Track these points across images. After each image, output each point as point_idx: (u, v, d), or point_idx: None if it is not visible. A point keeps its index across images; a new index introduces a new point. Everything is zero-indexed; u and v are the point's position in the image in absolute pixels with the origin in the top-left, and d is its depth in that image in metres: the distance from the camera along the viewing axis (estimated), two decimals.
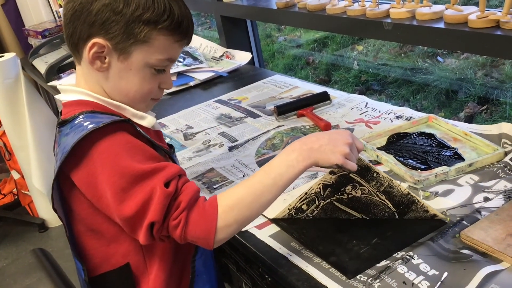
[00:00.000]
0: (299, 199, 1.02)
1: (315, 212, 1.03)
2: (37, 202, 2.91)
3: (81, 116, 0.88)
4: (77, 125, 0.86)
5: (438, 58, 2.85)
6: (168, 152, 0.99)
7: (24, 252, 2.68)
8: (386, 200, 0.98)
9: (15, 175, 2.97)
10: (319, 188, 1.00)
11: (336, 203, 1.01)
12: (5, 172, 3.24)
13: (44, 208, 2.89)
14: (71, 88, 0.96)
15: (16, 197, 3.11)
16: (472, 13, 1.21)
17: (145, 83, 0.92)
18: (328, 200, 1.01)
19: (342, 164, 0.87)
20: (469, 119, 2.42)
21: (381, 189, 0.97)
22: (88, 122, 0.85)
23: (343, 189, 0.99)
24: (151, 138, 0.93)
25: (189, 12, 0.93)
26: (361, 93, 1.68)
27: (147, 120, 0.96)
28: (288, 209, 1.04)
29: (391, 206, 0.98)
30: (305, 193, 1.01)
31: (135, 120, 0.94)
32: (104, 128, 0.83)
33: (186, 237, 0.83)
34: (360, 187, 0.98)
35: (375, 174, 0.96)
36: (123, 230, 0.87)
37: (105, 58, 0.89)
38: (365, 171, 0.96)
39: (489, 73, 2.61)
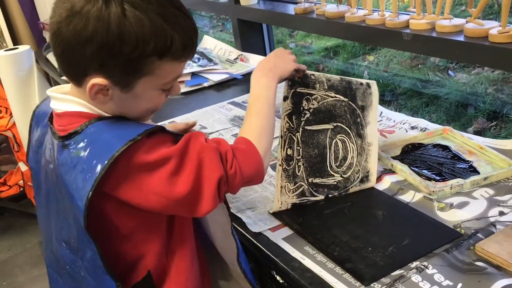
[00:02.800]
0: (281, 147, 1.07)
1: (300, 149, 1.08)
2: None
3: (93, 127, 0.83)
4: (94, 138, 0.81)
5: (449, 72, 2.85)
6: None
7: (28, 244, 2.68)
8: (336, 95, 1.03)
9: (22, 167, 2.98)
10: (287, 121, 1.07)
11: (308, 127, 1.08)
12: (12, 164, 3.25)
13: None
14: (70, 98, 0.86)
15: (22, 189, 3.12)
16: (493, 28, 1.21)
17: (152, 102, 0.89)
18: (301, 129, 1.07)
19: (298, 67, 1.04)
20: (478, 135, 2.42)
21: (326, 87, 1.06)
22: (115, 135, 0.81)
23: (302, 108, 1.08)
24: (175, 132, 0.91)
25: (192, 25, 0.85)
26: None
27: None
28: (280, 165, 1.07)
29: (343, 97, 1.04)
30: (281, 136, 1.07)
31: None
32: (142, 139, 0.80)
33: (244, 180, 0.88)
34: (312, 98, 1.09)
35: (312, 77, 1.08)
36: (153, 231, 0.89)
37: (108, 90, 0.83)
38: (305, 79, 1.08)
39: (500, 89, 2.61)
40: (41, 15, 3.29)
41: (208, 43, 2.36)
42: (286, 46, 3.96)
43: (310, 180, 1.10)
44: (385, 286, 0.86)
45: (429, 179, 1.13)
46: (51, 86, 2.94)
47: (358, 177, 1.15)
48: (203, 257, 1.07)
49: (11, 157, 3.21)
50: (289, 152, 1.08)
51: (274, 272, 1.05)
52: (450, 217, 1.02)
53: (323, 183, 1.12)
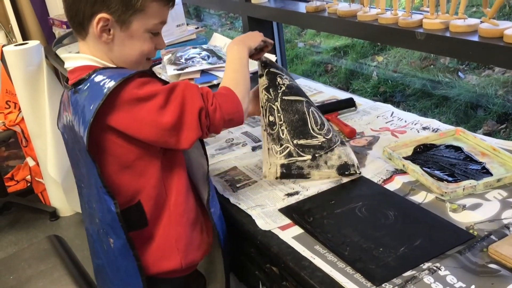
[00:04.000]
0: (263, 115, 1.22)
1: (281, 115, 1.21)
2: (50, 190, 2.92)
3: (96, 74, 1.00)
4: (98, 82, 0.97)
5: (459, 73, 2.84)
6: None
7: (35, 239, 2.69)
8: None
9: (30, 162, 2.99)
10: (265, 94, 1.23)
11: (285, 97, 1.22)
12: (20, 159, 3.26)
13: (56, 197, 2.90)
14: (78, 55, 1.05)
15: (29, 184, 3.13)
16: (508, 28, 1.20)
17: (145, 46, 1.06)
18: (279, 99, 1.22)
19: (265, 39, 1.24)
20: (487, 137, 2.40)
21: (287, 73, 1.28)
22: (111, 76, 0.97)
23: (277, 83, 1.23)
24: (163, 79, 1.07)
25: None
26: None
27: None
28: (264, 130, 1.21)
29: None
30: (262, 107, 1.23)
31: None
32: (133, 77, 0.97)
33: (224, 116, 1.04)
34: (283, 77, 1.26)
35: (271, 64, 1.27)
36: (150, 163, 1.04)
37: (110, 30, 1.01)
38: (274, 64, 1.27)
39: (510, 91, 2.59)
40: (51, 11, 3.30)
41: (218, 40, 2.35)
42: (295, 45, 3.94)
43: (295, 141, 1.21)
44: (396, 287, 0.85)
45: (441, 180, 1.12)
46: (60, 81, 2.95)
47: (338, 140, 1.23)
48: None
49: (19, 152, 3.22)
50: (271, 118, 1.22)
51: (282, 271, 1.04)
52: (462, 218, 1.00)
53: (308, 143, 1.21)
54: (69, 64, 1.06)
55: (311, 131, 1.21)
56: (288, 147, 1.21)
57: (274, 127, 1.21)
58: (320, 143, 1.21)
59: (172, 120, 0.98)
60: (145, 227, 1.07)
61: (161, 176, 1.06)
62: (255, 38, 1.22)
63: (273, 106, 1.22)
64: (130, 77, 0.97)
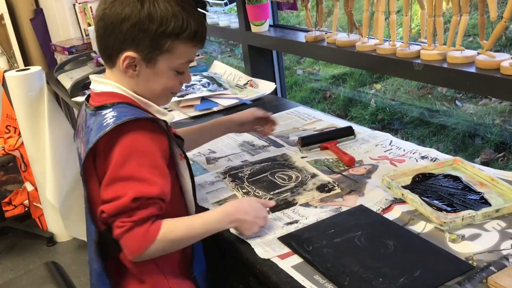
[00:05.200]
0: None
1: (252, 187, 1.33)
2: (47, 215, 2.91)
3: (119, 106, 1.03)
4: (113, 112, 1.02)
5: (457, 102, 2.86)
6: (180, 145, 1.12)
7: (31, 265, 2.67)
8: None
9: (28, 187, 2.98)
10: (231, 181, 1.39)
11: (250, 179, 1.38)
12: (18, 183, 3.25)
13: (54, 222, 2.89)
14: (106, 81, 1.09)
15: (27, 209, 3.12)
16: (505, 60, 1.22)
17: (170, 83, 1.09)
18: (245, 183, 1.37)
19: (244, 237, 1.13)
20: (485, 165, 2.41)
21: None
22: (123, 111, 1.01)
23: (239, 177, 1.41)
24: (170, 133, 1.09)
25: (203, 19, 1.10)
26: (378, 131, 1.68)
27: (168, 116, 1.12)
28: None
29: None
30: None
31: (158, 115, 1.10)
32: (128, 124, 0.99)
33: (119, 240, 1.00)
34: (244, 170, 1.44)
35: None
36: None
37: (136, 66, 1.05)
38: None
39: (507, 120, 2.61)
40: (53, 37, 3.34)
41: (218, 68, 2.38)
42: (294, 72, 3.98)
43: (271, 192, 1.31)
44: None
45: (440, 209, 1.13)
46: (61, 107, 2.97)
47: (308, 176, 1.35)
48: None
49: (18, 177, 3.22)
50: (244, 190, 1.34)
51: None
52: (462, 249, 1.00)
53: (282, 190, 1.31)
54: (96, 87, 1.10)
55: (282, 186, 1.33)
56: (267, 195, 1.30)
57: (249, 194, 1.32)
58: (292, 187, 1.32)
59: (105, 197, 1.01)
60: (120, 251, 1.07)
61: None
62: (247, 231, 1.12)
63: (243, 187, 1.35)
64: (128, 121, 0.99)
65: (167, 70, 1.07)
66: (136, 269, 1.09)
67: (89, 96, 1.14)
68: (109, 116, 1.01)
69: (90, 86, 1.13)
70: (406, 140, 1.56)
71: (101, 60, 2.38)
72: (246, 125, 1.47)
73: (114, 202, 0.98)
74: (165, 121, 1.07)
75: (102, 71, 1.90)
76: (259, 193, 1.31)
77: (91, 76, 1.13)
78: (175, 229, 1.03)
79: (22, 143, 2.80)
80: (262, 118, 1.48)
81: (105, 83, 1.09)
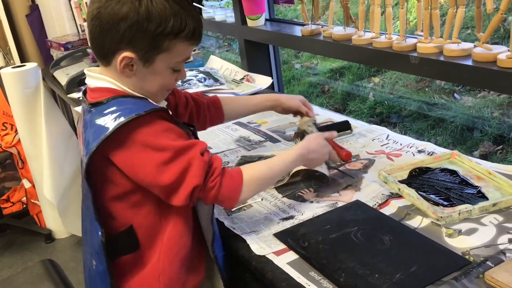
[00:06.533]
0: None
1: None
2: (45, 212, 2.90)
3: (114, 101, 1.01)
4: (114, 110, 0.98)
5: (455, 95, 2.85)
6: (192, 130, 1.12)
7: (30, 262, 2.66)
8: None
9: (26, 184, 2.98)
10: None
11: None
12: (16, 180, 3.24)
13: (52, 219, 2.88)
14: (101, 76, 1.05)
15: (25, 206, 3.11)
16: (501, 53, 1.21)
17: (166, 80, 1.07)
18: None
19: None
20: (484, 158, 2.40)
21: None
22: (126, 108, 0.98)
23: None
24: (179, 121, 1.08)
25: (200, 16, 1.07)
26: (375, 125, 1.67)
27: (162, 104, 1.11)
28: None
29: None
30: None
31: None
32: (146, 115, 0.97)
33: (217, 197, 1.02)
34: None
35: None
36: (147, 196, 1.04)
37: (132, 66, 1.02)
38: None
39: (506, 113, 2.60)
40: (49, 33, 3.32)
41: (215, 63, 2.36)
42: (292, 66, 3.97)
43: None
44: None
45: (437, 204, 1.12)
46: (58, 104, 2.95)
47: None
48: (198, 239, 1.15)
49: (15, 174, 3.21)
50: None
51: None
52: (458, 243, 1.00)
53: None
54: (91, 82, 1.07)
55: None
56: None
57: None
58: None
59: (167, 182, 0.98)
60: (137, 250, 1.08)
61: (157, 208, 1.07)
62: (318, 162, 1.23)
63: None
64: (142, 115, 0.98)
65: (164, 69, 1.05)
66: (158, 265, 1.08)
67: (85, 90, 1.11)
68: (109, 116, 0.98)
69: (86, 81, 1.10)
70: (404, 133, 1.55)
71: None
72: (288, 112, 1.45)
73: (192, 171, 0.97)
74: (163, 109, 1.05)
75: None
76: None
77: (85, 70, 1.09)
78: (256, 169, 1.10)
79: (19, 140, 2.79)
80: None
81: (99, 79, 1.06)
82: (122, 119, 0.96)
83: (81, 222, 1.18)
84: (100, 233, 1.03)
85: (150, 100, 1.06)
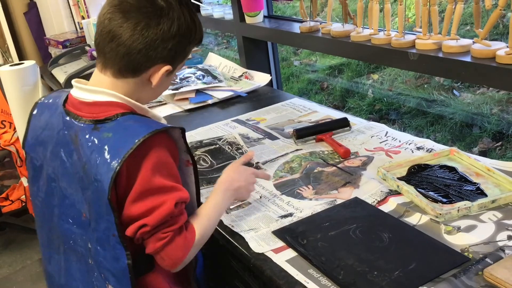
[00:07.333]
0: None
1: None
2: None
3: (123, 117, 0.96)
4: (124, 126, 0.94)
5: (454, 91, 2.84)
6: (190, 151, 1.06)
7: (29, 260, 2.66)
8: None
9: (25, 182, 2.96)
10: None
11: None
12: (15, 179, 3.24)
13: None
14: (100, 89, 0.98)
15: (24, 204, 3.11)
16: (500, 49, 1.20)
17: (170, 84, 1.09)
18: None
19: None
20: (483, 155, 2.40)
21: None
22: (138, 125, 0.95)
23: None
24: (184, 139, 1.02)
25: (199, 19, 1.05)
26: (374, 122, 1.67)
27: (162, 121, 1.07)
28: None
29: None
30: None
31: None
32: (150, 139, 0.92)
33: (160, 252, 0.94)
34: None
35: None
36: None
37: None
38: None
39: (505, 110, 2.60)
40: (47, 31, 3.31)
41: (213, 60, 2.36)
42: (291, 63, 3.96)
43: None
44: None
45: (436, 201, 1.12)
46: None
47: None
48: None
49: (14, 172, 3.20)
50: None
51: None
52: (457, 240, 0.99)
53: None
54: (86, 96, 0.98)
55: None
56: None
57: None
58: None
59: (135, 213, 0.93)
60: (153, 269, 1.03)
61: None
62: (245, 195, 1.18)
63: None
64: (164, 130, 0.95)
65: (174, 74, 1.06)
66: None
67: (65, 101, 1.02)
68: (123, 133, 0.93)
69: (73, 93, 1.01)
70: (403, 130, 1.55)
71: (95, 54, 2.36)
72: None
73: (156, 212, 0.92)
74: (181, 128, 1.00)
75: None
76: None
77: (74, 83, 1.01)
78: (204, 225, 1.02)
79: (18, 138, 2.78)
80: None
81: (98, 92, 0.98)
82: (142, 134, 0.91)
83: (48, 240, 1.10)
84: (125, 257, 0.94)
85: (149, 110, 1.04)
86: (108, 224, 0.93)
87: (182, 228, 0.97)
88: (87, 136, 0.95)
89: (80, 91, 1.00)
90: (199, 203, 1.08)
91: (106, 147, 0.92)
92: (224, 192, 1.10)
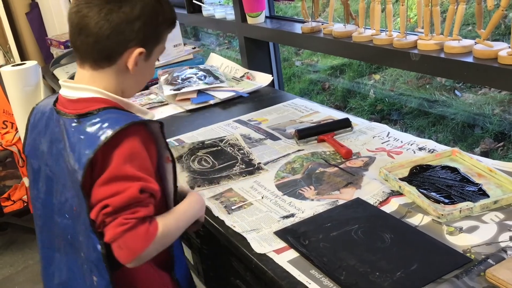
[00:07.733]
0: None
1: None
2: None
3: (105, 111, 0.98)
4: (104, 119, 0.96)
5: (456, 92, 2.84)
6: (168, 148, 1.06)
7: (31, 260, 2.66)
8: None
9: (26, 182, 2.97)
10: None
11: None
12: (17, 179, 3.24)
13: None
14: (85, 87, 1.01)
15: (26, 204, 3.11)
16: (502, 50, 1.20)
17: (153, 71, 1.09)
18: None
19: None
20: (485, 156, 2.40)
21: None
22: (116, 117, 0.96)
23: None
24: (163, 134, 1.03)
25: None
26: (376, 122, 1.67)
27: (149, 114, 1.07)
28: None
29: None
30: None
31: (140, 115, 1.04)
32: (125, 130, 0.94)
33: (118, 239, 0.92)
34: None
35: None
36: None
37: (137, 62, 1.01)
38: None
39: (507, 110, 2.59)
40: (49, 31, 3.31)
41: (215, 60, 2.36)
42: (292, 64, 3.96)
43: None
44: None
45: (438, 201, 1.11)
46: None
47: None
48: None
49: (16, 172, 3.21)
50: None
51: None
52: (459, 241, 0.99)
53: None
54: (72, 94, 1.01)
55: None
56: None
57: None
58: None
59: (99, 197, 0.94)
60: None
61: None
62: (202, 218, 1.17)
63: None
64: (138, 123, 0.97)
65: (154, 60, 1.06)
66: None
67: (56, 101, 1.06)
68: (100, 125, 0.95)
69: (61, 93, 1.04)
70: (405, 131, 1.55)
71: None
72: None
73: (121, 195, 0.91)
74: (160, 122, 1.01)
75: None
76: None
77: (61, 82, 1.05)
78: (169, 225, 1.00)
79: (20, 139, 2.79)
80: None
81: (81, 89, 1.01)
82: (116, 127, 0.93)
83: (47, 236, 1.12)
84: (99, 245, 0.96)
85: (134, 104, 1.05)
86: (85, 214, 0.96)
87: (146, 219, 0.94)
88: (71, 130, 0.98)
89: (67, 90, 1.03)
90: (176, 200, 1.08)
91: (84, 138, 0.95)
92: (199, 201, 1.11)
